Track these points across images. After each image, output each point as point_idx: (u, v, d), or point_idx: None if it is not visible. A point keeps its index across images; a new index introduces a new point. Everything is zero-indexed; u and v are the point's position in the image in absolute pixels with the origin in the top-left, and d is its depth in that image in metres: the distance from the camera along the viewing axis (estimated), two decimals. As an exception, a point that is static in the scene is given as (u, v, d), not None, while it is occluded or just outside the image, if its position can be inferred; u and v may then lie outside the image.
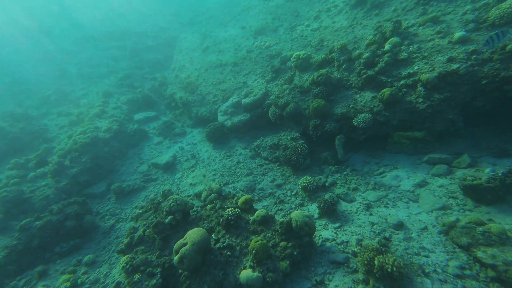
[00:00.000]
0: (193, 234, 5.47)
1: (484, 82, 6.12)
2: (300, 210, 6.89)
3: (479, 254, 4.31)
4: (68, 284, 6.31)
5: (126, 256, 5.87)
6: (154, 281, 5.55)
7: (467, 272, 4.31)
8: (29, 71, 25.59)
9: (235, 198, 6.95)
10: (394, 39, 7.73)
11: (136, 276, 5.60)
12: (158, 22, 30.62)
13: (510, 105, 6.31)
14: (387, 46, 7.64)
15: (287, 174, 8.62)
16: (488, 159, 6.27)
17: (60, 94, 19.89)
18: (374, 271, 4.39)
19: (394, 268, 4.17)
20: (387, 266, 4.24)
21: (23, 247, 7.04)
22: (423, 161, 6.86)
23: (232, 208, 6.34)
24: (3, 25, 30.76)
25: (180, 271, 5.53)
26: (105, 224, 8.56)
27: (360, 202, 6.58)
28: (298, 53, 9.86)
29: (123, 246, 6.31)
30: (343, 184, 7.38)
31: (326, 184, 7.57)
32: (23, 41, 29.65)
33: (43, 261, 7.18)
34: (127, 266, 5.70)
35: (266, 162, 9.55)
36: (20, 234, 7.17)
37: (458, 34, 6.90)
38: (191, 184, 9.64)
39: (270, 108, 9.97)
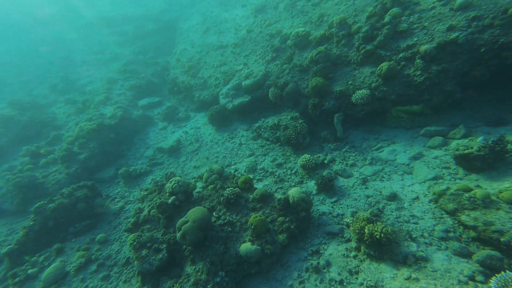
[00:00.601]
0: (194, 212, 5.66)
1: (482, 50, 5.89)
2: (299, 187, 6.96)
3: (463, 217, 4.53)
4: (83, 259, 6.72)
5: (133, 234, 6.15)
6: (161, 255, 5.84)
7: (451, 234, 4.55)
8: (35, 60, 25.74)
9: (235, 178, 7.06)
10: (395, 10, 7.29)
11: (144, 252, 5.89)
12: (158, 3, 29.67)
13: (509, 73, 6.13)
14: (386, 18, 7.23)
15: (287, 153, 8.64)
16: (483, 128, 6.24)
17: (67, 82, 20.05)
18: (365, 239, 4.63)
19: (382, 235, 4.39)
20: (376, 233, 4.46)
21: (39, 227, 7.46)
22: (420, 134, 6.82)
23: (232, 188, 6.47)
24: (10, 14, 30.60)
25: (184, 246, 5.79)
26: (115, 206, 8.91)
27: (357, 177, 6.65)
28: (296, 30, 9.49)
29: (130, 225, 6.60)
30: (341, 161, 7.38)
31: (325, 161, 7.57)
32: (29, 29, 29.57)
33: (59, 240, 7.63)
34: (135, 243, 5.99)
35: (267, 142, 9.56)
36: (35, 215, 7.58)
37: (459, 0, 6.48)
38: (195, 166, 9.80)
39: (270, 89, 9.81)
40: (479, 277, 3.77)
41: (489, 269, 3.85)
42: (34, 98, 18.21)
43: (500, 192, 4.62)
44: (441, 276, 3.98)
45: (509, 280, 3.16)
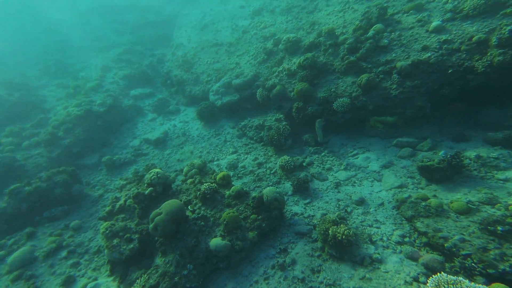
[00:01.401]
0: (168, 205, 5.56)
1: (450, 71, 6.20)
2: (274, 187, 6.97)
3: (418, 224, 4.78)
4: (54, 245, 6.52)
5: (107, 223, 6.01)
6: (132, 245, 5.73)
7: (406, 239, 4.78)
8: (32, 42, 24.87)
9: (214, 174, 6.99)
10: (378, 26, 7.47)
11: (115, 241, 5.76)
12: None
13: (472, 94, 6.48)
14: (370, 32, 7.42)
15: (269, 153, 8.63)
16: (448, 143, 6.52)
17: (60, 66, 19.46)
18: (328, 240, 4.73)
19: (344, 237, 4.53)
20: (338, 235, 4.57)
21: (12, 210, 7.20)
22: (392, 144, 7.03)
23: (209, 183, 6.41)
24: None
25: (156, 238, 5.69)
26: (94, 194, 8.70)
27: (331, 181, 6.74)
28: (288, 36, 9.49)
29: (104, 214, 6.45)
30: (319, 164, 7.44)
31: (304, 164, 7.60)
32: (28, 11, 28.52)
33: (32, 224, 7.38)
34: (107, 232, 5.85)
35: (251, 141, 9.54)
36: (9, 198, 7.31)
37: (434, 24, 6.87)
38: (178, 160, 9.68)
39: (258, 90, 9.78)
40: (421, 278, 4.01)
41: (431, 271, 4.07)
42: (26, 80, 17.60)
43: (451, 203, 4.87)
44: (391, 277, 4.17)
45: (442, 280, 3.38)
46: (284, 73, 9.35)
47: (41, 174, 7.90)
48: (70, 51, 23.48)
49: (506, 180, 5.14)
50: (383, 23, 7.68)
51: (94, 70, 18.49)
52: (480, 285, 3.21)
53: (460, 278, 3.33)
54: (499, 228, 3.93)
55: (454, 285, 3.25)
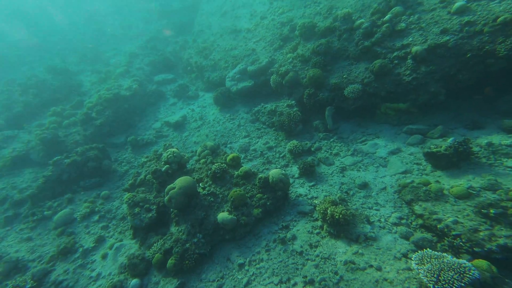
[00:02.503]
0: (181, 181, 5.96)
1: (468, 55, 5.68)
2: (281, 169, 7.11)
3: (416, 207, 4.81)
4: (88, 210, 7.34)
5: (129, 194, 6.59)
6: (150, 214, 6.28)
7: (403, 221, 4.85)
8: (72, 31, 26.37)
9: (225, 155, 7.27)
10: (397, 9, 6.89)
11: (136, 209, 6.35)
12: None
13: (492, 79, 5.98)
14: (387, 16, 6.87)
15: (280, 138, 8.70)
16: (461, 130, 6.21)
17: (95, 53, 20.56)
18: (327, 218, 4.89)
19: (341, 216, 4.68)
20: (336, 214, 4.72)
21: (56, 178, 8.12)
22: (402, 131, 6.78)
23: (219, 163, 6.69)
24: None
25: (171, 209, 6.18)
26: (121, 169, 9.46)
27: (337, 166, 6.72)
28: (303, 21, 9.15)
29: (127, 186, 7.06)
30: (327, 150, 7.42)
31: (312, 149, 7.61)
32: (68, 3, 29.94)
33: (71, 191, 8.30)
34: (130, 201, 6.44)
35: (263, 126, 9.63)
36: (53, 167, 8.22)
37: (457, 4, 6.19)
38: (195, 142, 10.10)
39: (272, 76, 9.71)
40: (410, 255, 4.12)
41: (420, 248, 4.17)
42: (67, 65, 18.89)
43: (452, 187, 4.79)
44: (382, 253, 4.32)
45: (426, 256, 3.53)
46: (298, 59, 9.15)
47: (77, 149, 8.74)
48: (103, 39, 24.62)
49: (515, 167, 4.84)
50: (403, 5, 7.07)
51: (123, 56, 19.28)
52: (462, 260, 3.30)
53: (443, 254, 3.45)
54: (491, 211, 3.95)
55: (437, 259, 3.38)
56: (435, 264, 3.35)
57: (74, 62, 20.12)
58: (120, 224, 6.95)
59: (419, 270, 3.47)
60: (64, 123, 11.51)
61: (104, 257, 6.07)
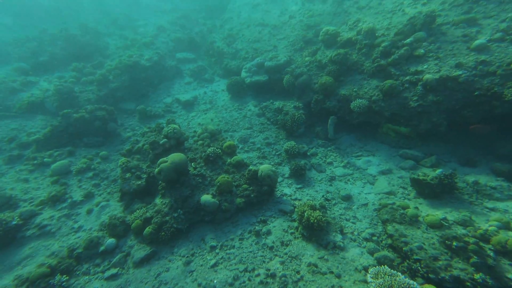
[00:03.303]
0: (174, 156, 6.02)
1: (476, 93, 5.53)
2: (275, 167, 7.09)
3: (389, 227, 4.91)
4: (84, 165, 7.52)
5: (124, 158, 6.72)
6: (139, 182, 6.39)
7: (374, 238, 4.96)
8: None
9: (222, 141, 7.28)
10: (420, 34, 6.69)
11: (128, 175, 6.47)
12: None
13: (495, 121, 5.89)
14: (408, 39, 6.68)
15: (280, 136, 8.65)
16: (453, 164, 6.18)
17: (126, 20, 20.68)
18: (303, 221, 4.93)
19: (316, 221, 4.75)
20: (311, 218, 4.77)
21: (62, 129, 8.34)
22: (398, 154, 6.76)
23: (215, 148, 6.73)
24: None
25: (159, 182, 6.27)
26: (124, 135, 9.61)
27: (327, 174, 6.68)
28: (327, 28, 8.94)
29: (124, 151, 7.18)
30: (322, 157, 7.36)
31: (308, 153, 7.55)
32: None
33: (73, 145, 8.51)
34: (123, 166, 6.57)
35: (268, 122, 9.58)
36: (62, 119, 8.43)
37: (477, 42, 6.05)
38: (199, 124, 10.13)
39: (286, 76, 9.58)
40: (371, 269, 4.16)
41: (380, 265, 4.26)
42: (97, 25, 19.12)
43: (427, 216, 4.84)
44: (346, 262, 4.38)
45: (381, 272, 3.66)
46: (314, 64, 8.99)
47: (87, 106, 8.91)
48: (137, 7, 24.69)
49: (492, 209, 4.86)
50: (427, 32, 6.84)
51: (152, 28, 19.33)
52: (412, 281, 3.40)
53: (398, 273, 3.56)
54: (454, 243, 4.04)
55: (390, 277, 3.51)
56: (387, 280, 3.46)
57: (105, 24, 20.32)
58: (110, 185, 7.11)
59: (372, 284, 3.58)
60: (82, 80, 11.73)
61: (89, 212, 6.24)
